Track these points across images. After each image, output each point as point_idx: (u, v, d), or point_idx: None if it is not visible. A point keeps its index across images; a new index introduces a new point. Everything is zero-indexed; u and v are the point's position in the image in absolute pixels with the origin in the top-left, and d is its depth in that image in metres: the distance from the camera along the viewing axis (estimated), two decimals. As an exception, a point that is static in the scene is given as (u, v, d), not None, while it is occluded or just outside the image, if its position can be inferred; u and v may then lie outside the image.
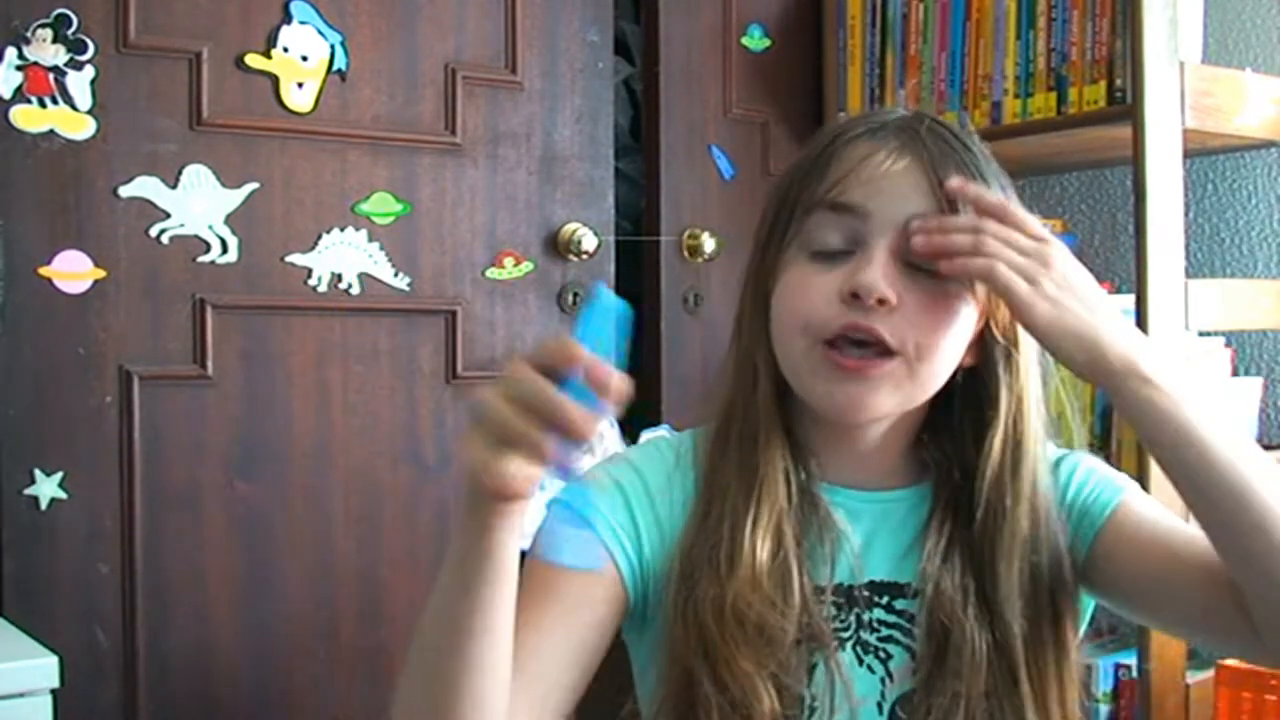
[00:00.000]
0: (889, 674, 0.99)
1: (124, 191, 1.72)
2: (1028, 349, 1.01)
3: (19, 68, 1.65)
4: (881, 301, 0.92)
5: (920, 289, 0.94)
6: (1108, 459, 1.81)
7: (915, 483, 1.03)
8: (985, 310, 0.99)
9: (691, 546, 0.97)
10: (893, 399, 0.95)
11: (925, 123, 0.99)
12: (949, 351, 0.97)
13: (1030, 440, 1.00)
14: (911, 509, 1.02)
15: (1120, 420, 1.81)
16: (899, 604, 1.00)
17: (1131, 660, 1.87)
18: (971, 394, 1.01)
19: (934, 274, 0.94)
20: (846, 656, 0.98)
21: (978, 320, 0.99)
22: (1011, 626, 0.96)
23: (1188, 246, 1.82)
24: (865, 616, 0.99)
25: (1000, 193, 0.98)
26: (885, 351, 0.93)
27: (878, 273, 0.93)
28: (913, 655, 0.99)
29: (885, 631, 0.99)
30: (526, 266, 2.04)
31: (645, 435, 2.10)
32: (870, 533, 1.01)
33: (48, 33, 1.66)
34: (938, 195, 0.95)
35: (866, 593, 0.99)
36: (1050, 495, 1.01)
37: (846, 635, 0.99)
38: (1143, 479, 1.72)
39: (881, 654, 0.99)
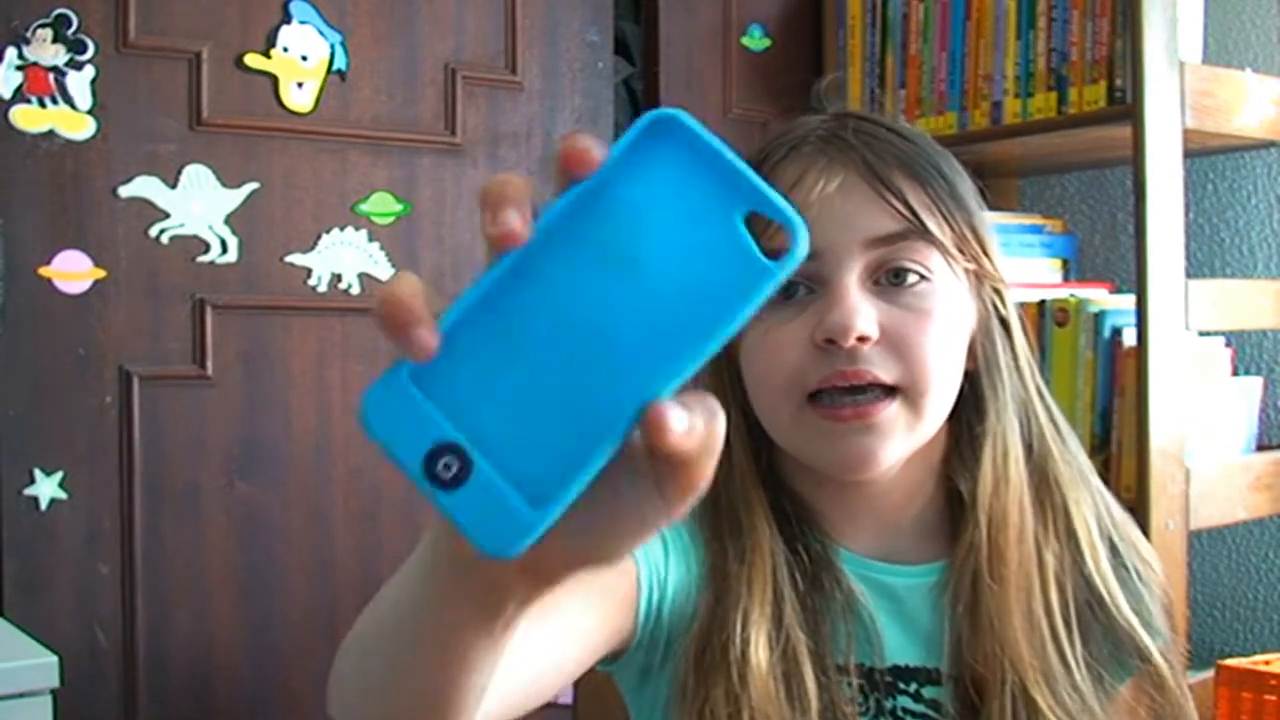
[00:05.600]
0: None
1: (124, 191, 1.72)
2: (1006, 347, 0.90)
3: (19, 68, 1.65)
4: (863, 339, 0.81)
5: (898, 307, 0.83)
6: (1107, 460, 1.81)
7: (948, 551, 0.91)
8: (978, 299, 0.88)
9: (704, 639, 0.84)
10: (903, 443, 0.84)
11: (850, 124, 0.88)
12: (949, 368, 0.86)
13: (1014, 449, 0.88)
14: (942, 583, 0.90)
15: (1121, 421, 1.80)
16: (928, 691, 0.89)
17: (1131, 660, 1.86)
18: (978, 403, 0.89)
19: (906, 285, 0.84)
20: None
21: (976, 314, 0.89)
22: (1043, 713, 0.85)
23: (1188, 246, 1.82)
24: (888, 704, 0.88)
25: (948, 185, 0.87)
26: (884, 392, 0.83)
27: (850, 309, 0.81)
28: None
29: None
30: (526, 266, 2.04)
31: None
32: (893, 611, 0.90)
33: (48, 33, 1.66)
34: (888, 200, 0.83)
35: (889, 678, 0.89)
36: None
37: None
38: (1143, 480, 1.72)
39: None
